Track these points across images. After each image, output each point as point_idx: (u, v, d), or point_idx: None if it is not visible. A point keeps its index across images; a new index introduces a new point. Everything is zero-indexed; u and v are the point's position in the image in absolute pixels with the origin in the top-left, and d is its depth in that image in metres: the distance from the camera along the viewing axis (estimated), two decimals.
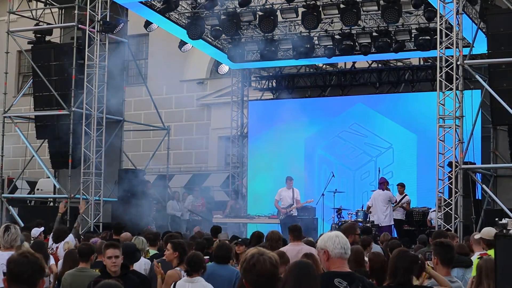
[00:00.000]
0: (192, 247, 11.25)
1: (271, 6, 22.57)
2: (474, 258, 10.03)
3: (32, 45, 23.95)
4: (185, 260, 8.63)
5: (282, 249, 10.86)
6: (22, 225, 18.78)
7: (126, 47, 24.83)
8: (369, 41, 23.47)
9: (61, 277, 9.51)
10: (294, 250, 10.48)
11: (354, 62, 26.76)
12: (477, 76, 18.73)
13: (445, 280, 7.50)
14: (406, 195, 21.74)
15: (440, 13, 18.31)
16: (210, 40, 25.18)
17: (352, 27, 22.95)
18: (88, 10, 21.41)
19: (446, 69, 18.05)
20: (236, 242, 12.47)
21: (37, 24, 24.52)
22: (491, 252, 10.12)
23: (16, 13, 24.90)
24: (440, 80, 18.14)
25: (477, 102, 20.24)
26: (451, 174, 17.70)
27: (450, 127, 17.87)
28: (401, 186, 21.83)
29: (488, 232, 10.75)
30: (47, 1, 24.92)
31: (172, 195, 25.88)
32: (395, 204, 21.54)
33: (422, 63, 26.28)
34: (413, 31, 22.91)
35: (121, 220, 21.14)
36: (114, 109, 23.65)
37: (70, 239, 13.07)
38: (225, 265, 9.61)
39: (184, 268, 8.78)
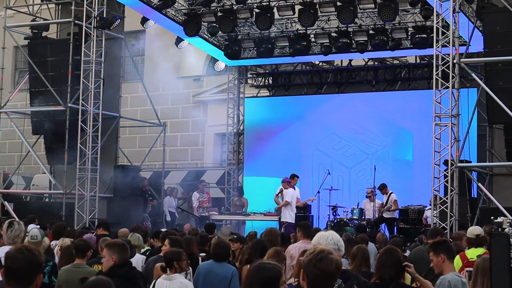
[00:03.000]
0: (193, 242, 11.23)
1: (267, 3, 22.56)
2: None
3: (29, 40, 23.92)
4: (163, 256, 8.63)
5: (292, 245, 10.90)
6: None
7: (123, 43, 24.84)
8: (366, 39, 23.48)
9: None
10: (304, 248, 10.41)
11: (350, 60, 26.77)
12: (473, 75, 18.74)
13: (429, 284, 7.55)
14: (391, 193, 21.76)
15: (436, 11, 18.32)
16: (207, 37, 25.19)
17: (349, 25, 22.95)
18: (85, 6, 21.38)
19: (443, 67, 18.07)
20: (231, 239, 12.46)
21: (33, 20, 24.48)
22: (470, 251, 10.15)
23: (13, 8, 24.84)
24: (436, 78, 18.15)
25: (473, 100, 20.26)
26: (447, 172, 17.73)
27: (446, 125, 17.90)
28: (382, 187, 21.88)
29: (471, 230, 10.82)
30: None
31: (171, 191, 25.85)
32: (379, 206, 21.69)
33: (418, 61, 26.30)
34: (410, 29, 22.93)
35: (117, 216, 21.21)
36: (110, 105, 23.67)
37: None
38: (223, 263, 9.61)
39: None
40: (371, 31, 23.37)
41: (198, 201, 24.73)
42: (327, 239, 6.04)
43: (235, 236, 12.90)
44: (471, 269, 8.16)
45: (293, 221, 21.17)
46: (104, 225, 15.37)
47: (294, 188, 21.80)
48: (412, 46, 23.02)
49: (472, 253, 10.05)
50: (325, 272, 4.69)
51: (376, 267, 7.52)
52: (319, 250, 4.84)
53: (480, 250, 10.27)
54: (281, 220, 21.50)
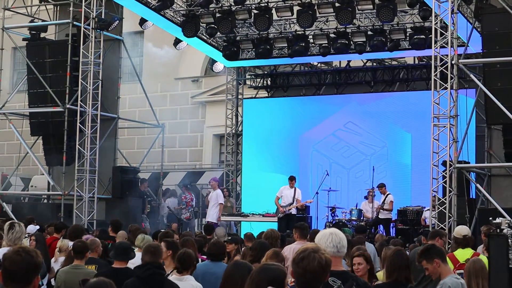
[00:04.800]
0: (190, 244, 11.18)
1: (266, 4, 22.56)
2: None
3: (27, 41, 23.92)
4: (176, 257, 8.59)
5: (288, 246, 10.91)
6: None
7: (121, 45, 24.84)
8: (364, 39, 23.48)
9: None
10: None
11: (349, 61, 26.77)
12: (471, 76, 18.74)
13: None
14: (388, 194, 21.76)
15: (435, 12, 18.31)
16: (205, 38, 25.18)
17: (347, 26, 22.95)
18: (83, 7, 21.38)
19: (441, 68, 18.06)
20: (225, 241, 12.45)
21: (32, 21, 24.49)
22: (458, 253, 10.13)
23: (11, 9, 24.85)
24: (434, 79, 18.14)
25: (471, 101, 20.26)
26: (445, 173, 17.71)
27: (444, 126, 17.88)
28: (380, 186, 21.92)
29: (459, 231, 10.76)
30: None
31: (175, 193, 26.08)
32: (377, 207, 21.69)
33: (417, 62, 26.32)
34: (408, 30, 22.93)
35: (115, 217, 21.19)
36: (109, 106, 23.69)
37: None
38: (219, 262, 9.61)
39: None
40: (369, 32, 23.37)
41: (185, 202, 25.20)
42: (327, 241, 5.98)
43: (230, 238, 12.88)
44: (461, 271, 8.12)
45: (215, 221, 21.95)
46: (112, 225, 15.21)
47: (295, 189, 21.79)
48: (410, 47, 23.00)
49: (462, 255, 10.01)
50: (306, 270, 4.70)
51: (389, 269, 7.42)
52: (302, 249, 4.86)
53: (468, 251, 10.24)
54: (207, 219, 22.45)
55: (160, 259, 8.23)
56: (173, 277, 8.33)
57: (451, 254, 10.26)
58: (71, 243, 12.13)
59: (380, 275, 9.39)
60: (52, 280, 10.72)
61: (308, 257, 4.72)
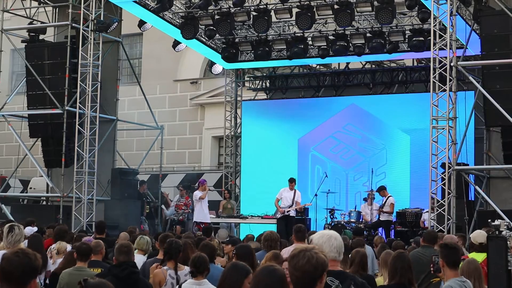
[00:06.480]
0: (188, 247, 11.19)
1: (265, 6, 22.56)
2: None
3: (26, 43, 23.92)
4: (190, 261, 8.61)
5: (286, 248, 10.93)
6: None
7: (120, 46, 24.85)
8: (363, 41, 23.49)
9: (58, 276, 9.48)
10: None
11: (347, 63, 26.77)
12: (470, 78, 18.75)
13: None
14: (389, 196, 21.75)
15: (433, 14, 18.32)
16: (204, 40, 25.19)
17: (346, 28, 22.94)
18: (82, 9, 21.38)
19: (440, 70, 18.06)
20: (223, 242, 12.45)
21: (31, 23, 24.49)
22: (472, 255, 10.10)
23: (10, 11, 24.85)
24: (433, 81, 18.15)
25: (470, 103, 20.27)
26: (444, 175, 17.72)
27: (443, 128, 17.89)
28: (380, 189, 21.90)
29: (476, 238, 10.72)
30: (41, 0, 24.89)
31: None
32: (378, 208, 21.70)
33: (415, 64, 26.32)
34: (407, 32, 22.94)
35: (114, 219, 21.21)
36: (108, 108, 23.70)
37: None
38: (211, 263, 9.61)
39: (172, 268, 8.80)
40: (368, 34, 23.37)
41: (175, 203, 24.92)
42: (330, 245, 5.98)
43: (228, 239, 12.90)
44: None
45: (208, 221, 21.76)
46: (97, 228, 15.19)
47: (295, 191, 21.79)
48: (409, 49, 23.02)
49: (478, 258, 9.98)
50: (296, 268, 4.68)
51: (393, 272, 7.43)
52: (297, 248, 4.85)
53: (482, 255, 10.19)
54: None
55: (133, 258, 8.50)
56: (190, 282, 8.33)
57: (466, 257, 10.23)
58: (69, 246, 12.17)
59: (380, 280, 9.37)
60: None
61: (298, 255, 4.72)
